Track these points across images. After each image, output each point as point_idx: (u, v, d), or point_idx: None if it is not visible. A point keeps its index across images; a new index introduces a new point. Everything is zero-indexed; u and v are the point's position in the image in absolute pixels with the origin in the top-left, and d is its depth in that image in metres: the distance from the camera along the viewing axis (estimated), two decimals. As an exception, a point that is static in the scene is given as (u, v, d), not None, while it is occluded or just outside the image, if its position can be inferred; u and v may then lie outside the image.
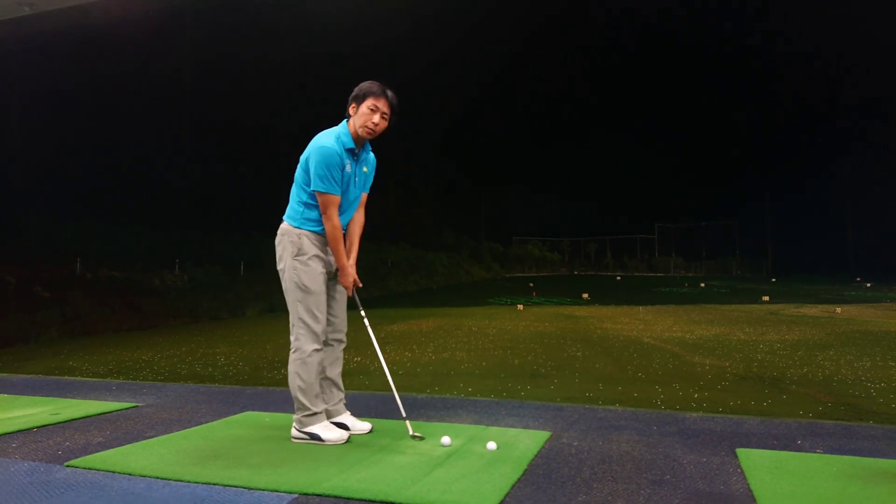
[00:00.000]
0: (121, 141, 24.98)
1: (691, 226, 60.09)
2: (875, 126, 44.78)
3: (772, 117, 53.89)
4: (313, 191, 3.10)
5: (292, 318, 3.14)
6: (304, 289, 3.09)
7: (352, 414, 3.37)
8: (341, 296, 3.33)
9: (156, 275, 20.45)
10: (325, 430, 3.09)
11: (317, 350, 3.11)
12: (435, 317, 16.41)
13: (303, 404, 3.09)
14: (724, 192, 58.61)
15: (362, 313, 3.40)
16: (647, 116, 57.14)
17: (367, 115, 3.10)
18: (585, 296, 25.15)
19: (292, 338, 3.13)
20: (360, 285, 3.30)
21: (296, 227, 3.15)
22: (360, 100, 3.13)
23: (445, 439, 3.00)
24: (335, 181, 3.07)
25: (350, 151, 3.16)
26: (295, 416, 3.13)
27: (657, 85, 55.06)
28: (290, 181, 3.25)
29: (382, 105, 3.12)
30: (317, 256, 3.15)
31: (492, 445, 2.94)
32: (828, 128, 49.81)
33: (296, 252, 3.12)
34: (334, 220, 3.10)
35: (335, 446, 3.03)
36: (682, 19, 45.72)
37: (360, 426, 3.29)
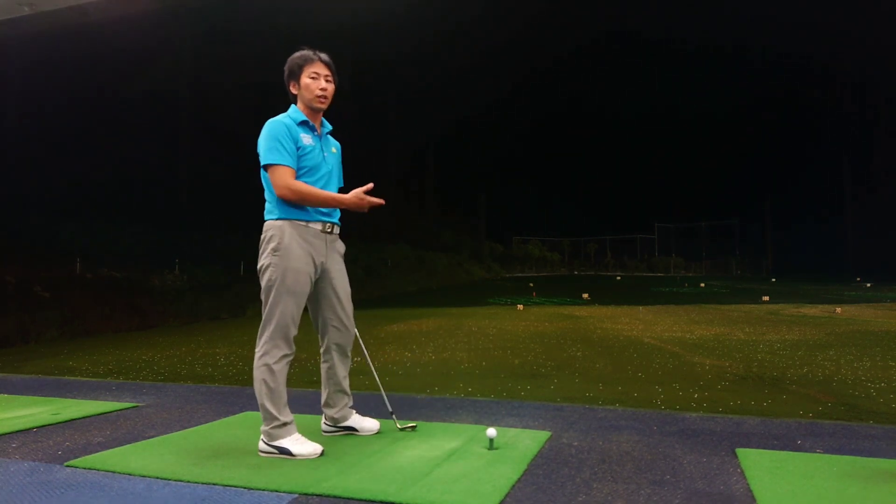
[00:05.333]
0: (120, 141, 24.99)
1: (691, 226, 60.21)
2: (875, 126, 44.79)
3: (772, 117, 53.90)
4: (263, 166, 2.83)
5: (263, 320, 2.91)
6: (283, 288, 2.83)
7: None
8: (347, 298, 3.13)
9: (156, 275, 20.45)
10: (296, 444, 2.82)
11: (287, 355, 2.87)
12: (435, 317, 16.42)
13: (270, 414, 2.83)
14: (724, 192, 58.67)
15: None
16: (647, 116, 57.15)
17: (312, 84, 2.92)
18: (585, 296, 25.15)
19: (261, 341, 2.86)
20: (381, 202, 2.96)
21: (276, 220, 2.88)
22: (296, 74, 2.94)
23: (491, 431, 2.94)
24: (287, 151, 2.82)
25: (304, 124, 2.94)
26: (262, 429, 2.87)
27: (657, 84, 55.07)
28: None
29: (321, 69, 2.94)
30: (300, 252, 2.86)
31: (492, 432, 2.94)
32: (828, 128, 49.84)
33: (274, 246, 2.83)
34: (295, 187, 2.81)
35: (336, 444, 3.02)
36: (680, 17, 45.72)
37: (369, 426, 3.19)
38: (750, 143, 57.10)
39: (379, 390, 3.50)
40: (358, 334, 3.32)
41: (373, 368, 3.50)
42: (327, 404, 3.19)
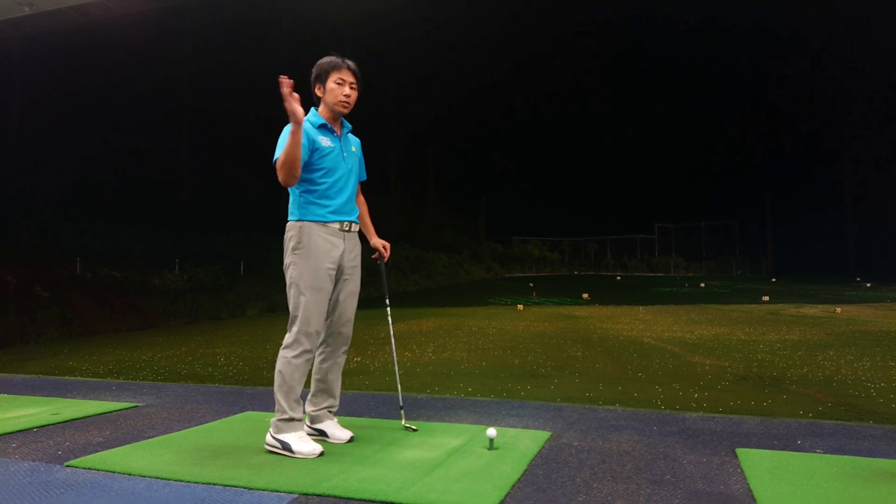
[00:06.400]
0: (121, 141, 25.00)
1: (691, 226, 60.19)
2: (876, 126, 44.79)
3: (772, 117, 53.92)
4: (273, 162, 2.87)
5: (290, 317, 3.00)
6: (303, 285, 2.93)
7: (350, 415, 3.34)
8: (351, 297, 3.18)
9: (156, 275, 20.45)
10: (298, 442, 2.88)
11: (307, 351, 2.94)
12: (435, 317, 16.40)
13: (281, 406, 2.91)
14: (724, 192, 58.66)
15: (387, 301, 3.49)
16: (648, 116, 57.17)
17: (337, 89, 3.02)
18: (585, 296, 25.14)
19: (286, 335, 2.97)
20: (288, 81, 2.71)
21: (296, 221, 2.99)
22: (323, 78, 3.04)
23: (491, 431, 2.97)
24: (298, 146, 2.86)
25: (323, 127, 3.03)
26: (272, 420, 2.95)
27: (658, 85, 55.08)
28: None
29: (347, 76, 3.04)
30: (319, 250, 2.96)
31: (492, 432, 2.95)
32: (828, 127, 49.85)
33: (294, 245, 2.95)
34: (278, 162, 2.80)
35: (336, 445, 3.02)
36: (681, 16, 45.73)
37: (340, 435, 3.11)
38: (750, 142, 57.13)
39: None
40: (392, 331, 3.54)
41: (395, 363, 3.67)
42: (310, 400, 3.18)
